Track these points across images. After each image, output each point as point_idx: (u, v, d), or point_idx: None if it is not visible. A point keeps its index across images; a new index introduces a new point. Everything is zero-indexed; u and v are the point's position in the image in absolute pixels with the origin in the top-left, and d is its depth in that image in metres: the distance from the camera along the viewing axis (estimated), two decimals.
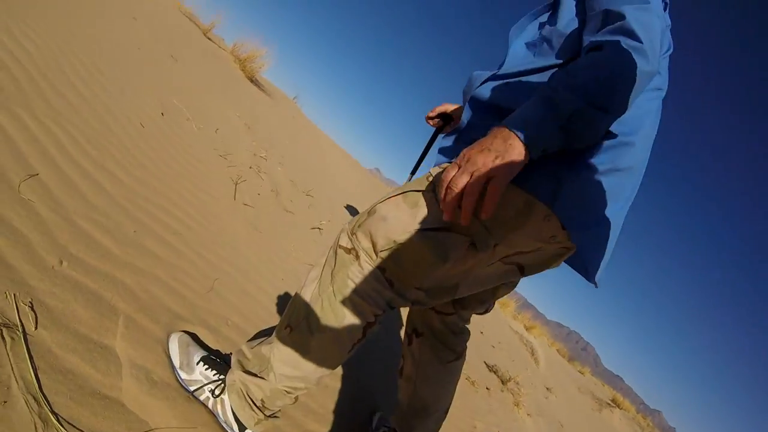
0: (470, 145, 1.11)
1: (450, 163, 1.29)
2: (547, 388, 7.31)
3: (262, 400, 1.40)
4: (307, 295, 1.34)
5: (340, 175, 7.74)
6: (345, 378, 2.36)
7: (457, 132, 1.44)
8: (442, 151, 1.46)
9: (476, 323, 6.72)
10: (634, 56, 1.08)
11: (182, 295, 1.88)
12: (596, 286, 1.32)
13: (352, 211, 5.54)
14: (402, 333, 2.76)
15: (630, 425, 13.28)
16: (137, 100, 2.92)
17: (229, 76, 5.95)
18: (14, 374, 1.12)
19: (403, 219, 1.23)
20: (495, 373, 5.04)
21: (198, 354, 1.56)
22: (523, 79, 1.33)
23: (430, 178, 1.27)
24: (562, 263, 1.39)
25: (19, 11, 2.60)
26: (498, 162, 1.03)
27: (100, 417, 1.23)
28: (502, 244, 1.23)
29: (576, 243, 1.21)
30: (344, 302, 1.27)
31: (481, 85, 1.41)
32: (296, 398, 1.44)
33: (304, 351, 1.32)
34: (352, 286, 1.27)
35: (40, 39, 2.53)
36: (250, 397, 1.41)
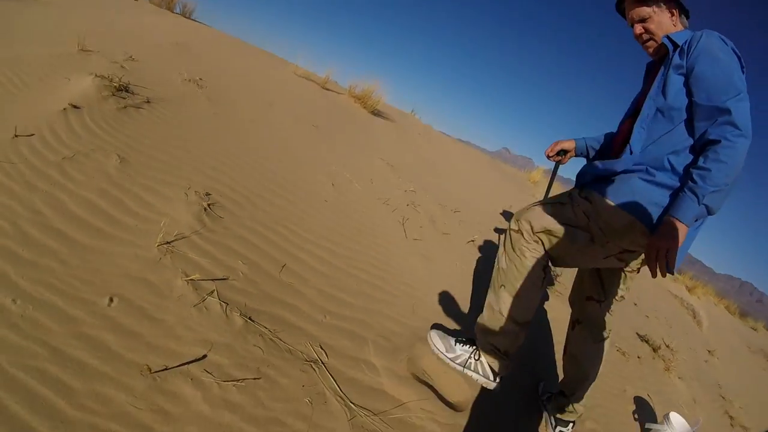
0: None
1: (584, 188, 2.13)
2: (709, 351, 7.01)
3: (506, 350, 2.21)
4: (503, 264, 2.19)
5: (474, 179, 8.38)
6: (521, 360, 3.05)
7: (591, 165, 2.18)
8: (579, 176, 2.21)
9: (630, 297, 6.60)
10: (740, 143, 1.76)
11: (399, 320, 2.69)
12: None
13: (493, 216, 6.13)
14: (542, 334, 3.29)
15: None
16: (312, 181, 3.77)
17: (358, 119, 6.79)
18: (326, 387, 1.96)
19: (551, 216, 2.09)
20: (646, 342, 5.15)
21: (452, 338, 2.36)
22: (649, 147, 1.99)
23: (571, 196, 2.13)
24: None
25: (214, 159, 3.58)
26: (676, 242, 1.72)
27: (376, 400, 2.05)
28: (612, 243, 1.98)
29: None
30: (525, 259, 2.12)
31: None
32: (524, 336, 2.23)
33: (518, 295, 2.13)
34: (525, 250, 2.12)
35: (229, 161, 3.49)
36: (500, 350, 2.21)
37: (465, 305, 3.31)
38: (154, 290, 1.98)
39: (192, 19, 8.59)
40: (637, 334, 5.22)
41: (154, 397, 1.58)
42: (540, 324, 3.78)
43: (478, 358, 2.23)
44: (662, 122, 1.94)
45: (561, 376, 2.68)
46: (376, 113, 7.88)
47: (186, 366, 1.73)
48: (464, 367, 2.25)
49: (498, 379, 2.24)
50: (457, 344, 2.30)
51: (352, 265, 2.94)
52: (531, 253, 2.10)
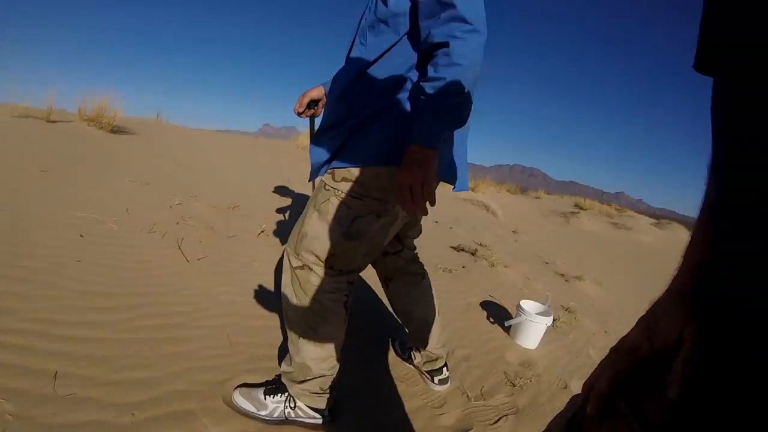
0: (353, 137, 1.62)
1: (335, 169, 1.67)
2: (513, 232, 7.72)
3: (320, 388, 1.87)
4: (298, 312, 1.78)
5: (242, 167, 7.78)
6: (360, 336, 2.76)
7: (329, 130, 1.75)
8: (326, 158, 1.76)
9: (429, 216, 6.92)
10: (472, 38, 1.43)
11: (218, 365, 2.21)
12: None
13: (274, 197, 5.74)
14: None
15: (599, 220, 13.72)
16: (53, 243, 2.88)
17: (96, 144, 5.85)
18: None
19: (326, 231, 1.66)
20: (463, 250, 5.38)
21: (260, 392, 1.96)
22: (375, 66, 1.61)
23: (328, 188, 1.67)
24: None
25: None
26: (428, 172, 1.40)
27: None
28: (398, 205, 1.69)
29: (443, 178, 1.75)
30: (322, 301, 1.73)
31: (341, 82, 1.72)
32: (337, 369, 1.91)
33: (320, 342, 1.79)
34: (320, 288, 1.72)
35: None
36: (313, 393, 1.88)
37: (279, 313, 2.86)
38: None
39: None
40: (451, 247, 5.41)
41: None
42: (361, 289, 3.56)
43: (294, 406, 1.92)
44: (387, 33, 1.57)
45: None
46: (116, 130, 6.88)
47: None
48: (285, 418, 1.93)
49: (328, 413, 1.96)
50: (267, 397, 1.94)
51: (137, 329, 2.33)
52: (328, 293, 1.74)
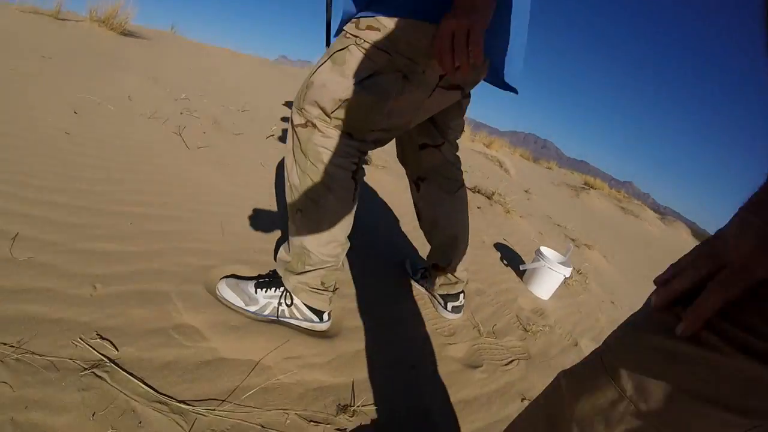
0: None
1: (360, 18, 1.33)
2: (526, 191, 7.43)
3: (321, 282, 1.57)
4: (295, 180, 1.45)
5: (255, 80, 7.33)
6: (372, 247, 2.43)
7: None
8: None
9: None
10: None
11: (205, 249, 1.90)
12: (516, 93, 1.51)
13: (286, 111, 5.34)
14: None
15: (608, 200, 13.26)
16: (43, 115, 2.59)
17: (104, 42, 5.39)
18: (129, 397, 1.15)
19: (338, 80, 1.31)
20: (479, 192, 5.12)
21: (250, 285, 1.64)
22: None
23: (348, 35, 1.32)
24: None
25: None
26: (478, 19, 1.08)
27: (216, 379, 1.31)
28: (429, 69, 1.31)
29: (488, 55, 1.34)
30: (325, 166, 1.39)
31: None
32: (342, 263, 1.60)
33: (322, 220, 1.46)
34: (323, 150, 1.38)
35: None
36: (313, 287, 1.56)
37: (283, 210, 2.58)
38: None
39: None
40: (467, 188, 5.19)
41: None
42: (374, 204, 3.26)
43: (291, 303, 1.61)
44: None
45: (427, 247, 2.20)
46: (127, 33, 6.36)
47: None
48: (277, 317, 1.61)
49: (327, 317, 1.67)
50: (258, 291, 1.62)
51: (120, 202, 2.01)
52: (333, 157, 1.40)
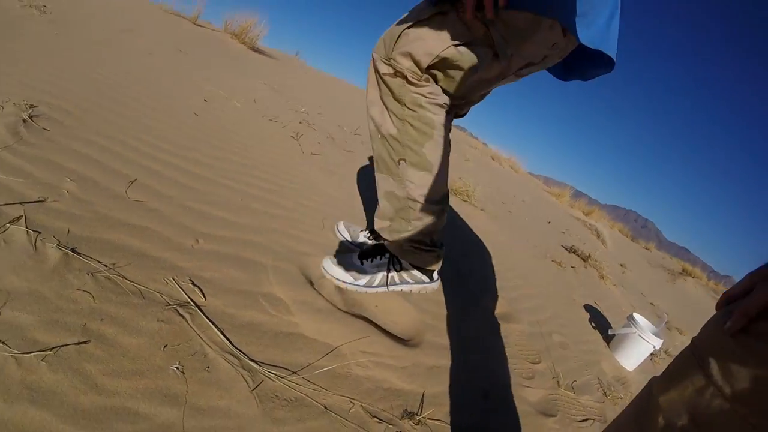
0: None
1: None
2: (621, 265, 7.08)
3: (430, 238, 1.52)
4: (391, 129, 1.41)
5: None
6: (461, 277, 2.36)
7: None
8: None
9: (542, 214, 6.57)
10: None
11: (304, 238, 1.90)
12: (613, 67, 1.39)
13: None
14: None
15: (705, 291, 12.52)
16: (176, 96, 2.84)
17: (235, 52, 5.79)
18: (204, 342, 1.14)
19: (436, 36, 1.26)
20: (575, 252, 4.94)
21: (354, 257, 1.62)
22: None
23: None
24: None
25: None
26: None
27: (291, 351, 1.27)
28: (516, 55, 1.31)
29: (582, 40, 1.23)
30: (425, 111, 1.35)
31: None
32: (444, 212, 1.54)
33: (423, 165, 1.40)
34: (418, 96, 1.34)
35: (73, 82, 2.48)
36: (420, 246, 1.52)
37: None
38: None
39: None
40: (563, 246, 5.03)
41: None
42: (468, 240, 3.19)
43: (400, 269, 1.56)
44: None
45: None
46: (256, 50, 6.81)
47: None
48: (389, 286, 1.57)
49: (437, 276, 1.61)
50: (365, 262, 1.59)
51: (234, 180, 2.09)
52: (428, 99, 1.35)
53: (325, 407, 1.14)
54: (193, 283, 1.31)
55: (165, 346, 1.08)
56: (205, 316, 1.21)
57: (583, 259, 4.80)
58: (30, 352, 0.91)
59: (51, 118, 1.84)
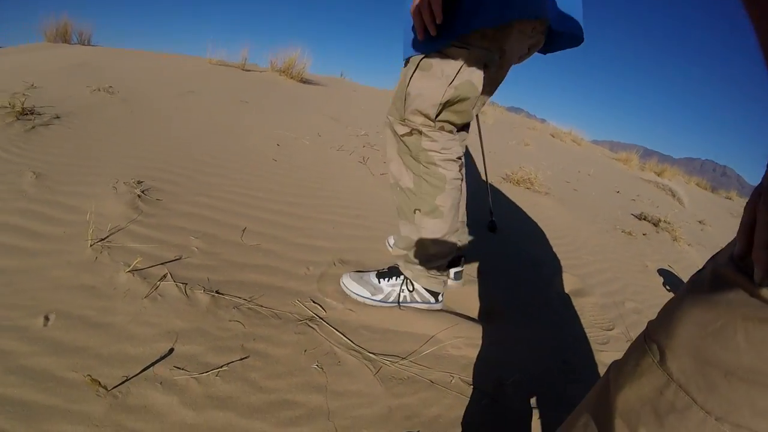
0: None
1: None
2: (700, 222, 6.87)
3: (437, 268, 1.74)
4: (408, 184, 1.61)
5: None
6: (529, 258, 2.62)
7: None
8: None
9: (609, 185, 6.46)
10: None
11: (388, 252, 2.23)
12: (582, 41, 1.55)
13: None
14: None
15: None
16: (253, 148, 3.26)
17: (287, 89, 6.23)
18: (333, 344, 1.50)
19: (431, 84, 1.43)
20: (645, 219, 4.93)
21: (372, 276, 1.83)
22: None
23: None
24: None
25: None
26: None
27: (398, 342, 1.62)
28: (507, 53, 1.45)
29: (551, 21, 1.42)
30: (438, 168, 1.55)
31: None
32: (457, 247, 1.76)
33: (436, 214, 1.61)
34: (433, 154, 1.53)
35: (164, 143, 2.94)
36: (431, 273, 1.75)
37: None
38: (94, 293, 1.49)
39: (91, 45, 7.70)
40: (632, 215, 5.02)
41: (119, 418, 1.11)
42: (532, 224, 3.39)
43: (413, 289, 1.78)
44: None
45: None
46: (305, 81, 7.22)
47: (151, 369, 1.26)
48: (399, 303, 1.79)
49: (441, 297, 1.83)
50: (382, 281, 1.81)
51: (323, 212, 2.48)
52: (442, 156, 1.53)
53: (431, 381, 1.45)
54: (313, 302, 1.69)
55: (305, 351, 1.44)
56: (329, 325, 1.58)
57: (654, 224, 4.78)
58: (206, 372, 1.28)
59: (158, 188, 2.26)
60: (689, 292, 0.59)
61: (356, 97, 7.61)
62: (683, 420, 0.53)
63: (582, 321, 2.21)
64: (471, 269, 2.28)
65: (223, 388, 1.25)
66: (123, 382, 1.19)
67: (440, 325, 1.72)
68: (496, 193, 3.81)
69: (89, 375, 1.15)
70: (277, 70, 7.10)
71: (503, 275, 2.34)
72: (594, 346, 2.04)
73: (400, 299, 1.78)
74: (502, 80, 1.62)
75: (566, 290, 2.47)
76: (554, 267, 2.70)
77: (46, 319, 1.35)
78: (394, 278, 1.80)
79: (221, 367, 1.30)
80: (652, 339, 0.60)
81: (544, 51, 1.64)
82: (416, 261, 1.72)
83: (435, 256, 1.69)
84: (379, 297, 1.77)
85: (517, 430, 1.38)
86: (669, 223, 4.89)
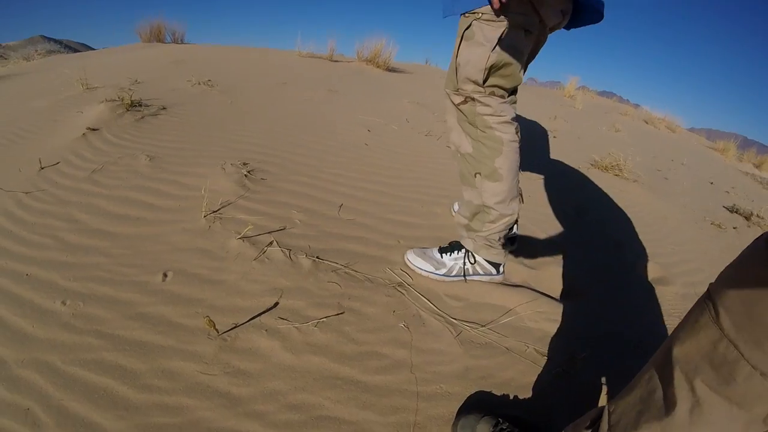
0: None
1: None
2: None
3: (499, 238, 1.77)
4: (468, 149, 1.68)
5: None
6: (614, 245, 2.77)
7: None
8: None
9: (704, 175, 6.15)
10: None
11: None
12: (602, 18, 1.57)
13: (542, 130, 5.62)
14: None
15: None
16: (345, 132, 3.45)
17: (375, 77, 6.39)
18: (419, 308, 1.63)
19: (476, 51, 1.50)
20: (737, 212, 4.62)
21: (435, 251, 1.88)
22: None
23: (468, 14, 1.50)
24: None
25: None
26: None
27: (479, 311, 1.72)
28: (544, 18, 1.49)
29: None
30: (494, 129, 1.60)
31: None
32: (517, 214, 1.77)
33: (498, 176, 1.65)
34: (487, 117, 1.59)
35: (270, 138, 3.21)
36: (491, 244, 1.77)
37: (546, 209, 2.92)
38: (208, 255, 1.73)
39: (185, 43, 8.21)
40: (724, 207, 4.78)
41: (227, 358, 1.31)
42: (620, 213, 3.36)
43: (474, 261, 1.81)
44: None
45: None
46: (391, 69, 7.37)
47: (257, 318, 1.46)
48: (464, 276, 1.82)
49: (502, 269, 1.85)
50: (444, 255, 1.85)
51: (412, 191, 2.60)
52: (497, 119, 1.59)
53: (507, 348, 1.53)
54: (402, 270, 1.82)
55: (393, 312, 1.58)
56: (416, 291, 1.70)
57: (746, 218, 4.52)
58: (306, 323, 1.45)
59: (262, 169, 2.49)
60: (746, 257, 0.65)
61: (442, 82, 7.61)
62: (733, 373, 0.59)
63: (661, 309, 2.22)
64: (555, 251, 2.33)
65: (320, 337, 1.41)
66: (232, 328, 1.38)
67: (520, 299, 1.78)
68: (583, 178, 3.81)
69: (208, 316, 1.35)
70: (364, 60, 7.28)
71: (586, 258, 2.35)
72: (670, 333, 2.06)
73: (464, 272, 1.82)
74: (543, 46, 1.69)
75: (648, 277, 2.43)
76: (638, 253, 2.68)
77: (165, 275, 1.59)
78: (455, 252, 1.85)
79: (320, 319, 1.47)
80: (710, 298, 0.66)
81: (568, 27, 1.68)
82: (477, 230, 1.77)
83: (496, 222, 1.72)
84: (443, 271, 1.82)
85: (585, 401, 1.43)
86: (762, 217, 4.64)
